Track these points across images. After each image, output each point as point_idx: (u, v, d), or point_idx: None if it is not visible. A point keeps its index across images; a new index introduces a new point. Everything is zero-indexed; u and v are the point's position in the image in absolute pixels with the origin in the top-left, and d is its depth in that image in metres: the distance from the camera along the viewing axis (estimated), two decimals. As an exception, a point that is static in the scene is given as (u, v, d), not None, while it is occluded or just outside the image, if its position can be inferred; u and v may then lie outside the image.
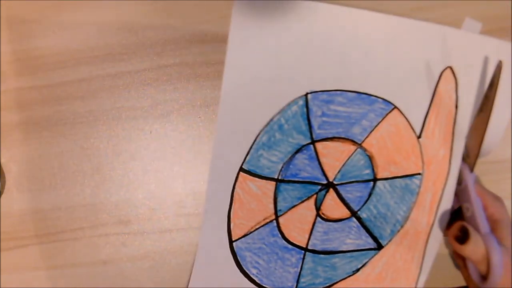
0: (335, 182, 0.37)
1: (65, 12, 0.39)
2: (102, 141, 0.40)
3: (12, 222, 0.40)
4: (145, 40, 0.39)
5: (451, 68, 0.37)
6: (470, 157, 0.35)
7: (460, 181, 0.35)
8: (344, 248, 0.38)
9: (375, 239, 0.38)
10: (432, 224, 0.38)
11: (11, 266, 0.40)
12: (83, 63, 0.39)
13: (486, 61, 0.37)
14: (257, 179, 0.37)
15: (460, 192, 0.35)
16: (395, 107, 0.37)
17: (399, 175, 0.38)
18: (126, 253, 0.40)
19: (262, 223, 0.37)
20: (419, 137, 0.37)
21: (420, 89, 0.37)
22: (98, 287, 0.39)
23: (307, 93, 0.36)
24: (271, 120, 0.36)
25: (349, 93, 0.36)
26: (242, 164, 0.37)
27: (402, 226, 0.38)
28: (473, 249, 0.32)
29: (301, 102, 0.36)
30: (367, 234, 0.38)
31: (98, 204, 0.39)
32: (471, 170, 0.35)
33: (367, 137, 0.37)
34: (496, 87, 0.34)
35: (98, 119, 0.39)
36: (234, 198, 0.37)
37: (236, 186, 0.37)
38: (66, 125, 0.40)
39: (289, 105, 0.36)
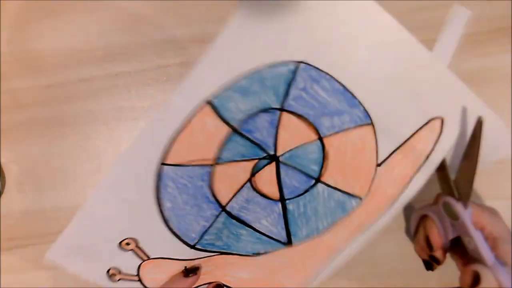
0: (280, 159, 0.36)
1: (65, 12, 0.39)
2: (102, 141, 0.40)
3: (12, 222, 0.40)
4: (145, 40, 0.39)
5: (442, 120, 0.37)
6: (461, 195, 0.35)
7: (455, 216, 0.35)
8: (256, 226, 0.37)
9: (288, 234, 0.37)
10: (345, 244, 0.38)
11: (11, 266, 0.40)
12: (83, 63, 0.39)
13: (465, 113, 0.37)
14: (217, 117, 0.35)
15: (458, 226, 0.35)
16: (372, 123, 0.37)
17: (342, 189, 0.37)
18: (126, 253, 0.40)
19: (198, 162, 0.36)
20: (378, 165, 0.37)
21: (405, 121, 0.37)
22: (98, 287, 0.39)
23: (300, 62, 0.35)
24: (257, 69, 0.35)
25: (337, 84, 0.36)
26: (211, 99, 0.35)
27: (319, 235, 0.38)
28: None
29: (291, 67, 0.35)
30: (284, 226, 0.37)
31: (98, 204, 0.39)
32: (465, 206, 0.35)
33: (331, 135, 0.36)
34: (479, 142, 0.35)
35: (98, 119, 0.39)
36: (187, 124, 0.35)
37: (195, 116, 0.35)
38: (66, 125, 0.40)
39: (280, 64, 0.35)
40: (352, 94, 0.36)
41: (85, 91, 0.39)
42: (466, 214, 0.34)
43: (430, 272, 0.39)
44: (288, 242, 0.37)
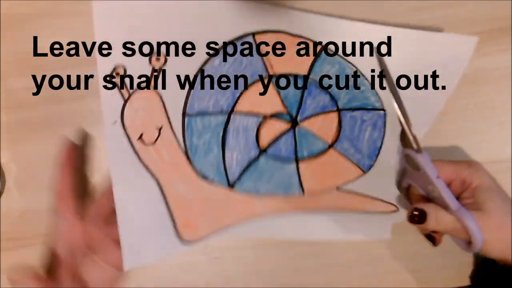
0: (296, 129, 0.39)
1: (65, 12, 0.39)
2: (102, 141, 0.40)
3: (12, 222, 0.40)
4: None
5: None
6: (409, 142, 0.36)
7: (417, 167, 0.35)
8: (227, 153, 0.39)
9: (239, 178, 0.39)
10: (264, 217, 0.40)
11: (11, 266, 0.40)
12: (83, 63, 0.39)
13: None
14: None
15: (420, 177, 0.35)
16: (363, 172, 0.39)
17: (302, 176, 0.39)
18: (126, 253, 0.40)
19: None
20: (337, 188, 0.40)
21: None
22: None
23: (383, 110, 0.39)
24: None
25: (380, 142, 0.40)
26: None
27: (254, 195, 0.39)
28: (437, 223, 0.34)
29: (380, 112, 0.39)
30: (241, 172, 0.39)
31: (98, 204, 0.39)
32: (420, 151, 0.35)
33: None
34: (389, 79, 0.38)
35: (98, 119, 0.39)
36: None
37: None
38: (66, 125, 0.40)
39: (375, 103, 0.39)
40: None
41: (85, 91, 0.39)
42: (423, 158, 0.35)
43: (430, 272, 0.39)
44: (231, 185, 0.39)
